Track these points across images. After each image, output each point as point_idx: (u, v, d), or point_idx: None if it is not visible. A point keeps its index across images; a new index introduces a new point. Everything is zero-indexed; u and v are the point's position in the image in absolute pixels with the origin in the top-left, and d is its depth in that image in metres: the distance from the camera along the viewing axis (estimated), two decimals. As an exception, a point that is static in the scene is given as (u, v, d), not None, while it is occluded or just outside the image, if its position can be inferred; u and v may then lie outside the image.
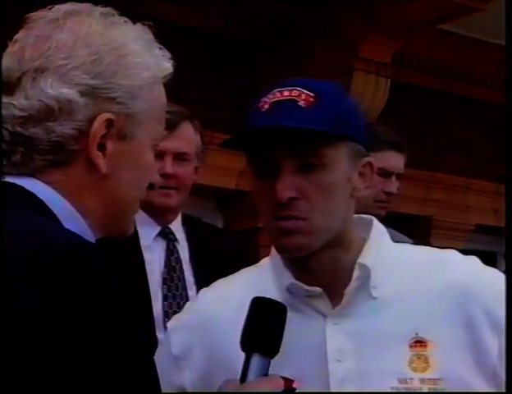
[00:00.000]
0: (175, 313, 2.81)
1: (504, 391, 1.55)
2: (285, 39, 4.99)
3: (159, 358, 1.70)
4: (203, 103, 4.72)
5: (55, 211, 1.26)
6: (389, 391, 1.55)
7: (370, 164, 1.65)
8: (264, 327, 1.46)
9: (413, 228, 5.32)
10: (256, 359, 1.43)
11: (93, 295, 1.10)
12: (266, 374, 1.43)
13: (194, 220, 3.21)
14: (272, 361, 1.45)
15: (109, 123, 1.29)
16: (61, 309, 1.07)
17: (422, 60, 5.82)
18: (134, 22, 1.37)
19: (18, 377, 1.06)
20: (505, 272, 1.63)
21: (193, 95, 4.71)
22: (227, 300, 1.61)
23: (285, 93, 1.58)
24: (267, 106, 1.58)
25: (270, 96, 1.59)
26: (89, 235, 1.28)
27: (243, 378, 1.42)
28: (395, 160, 3.43)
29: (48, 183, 1.28)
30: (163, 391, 1.18)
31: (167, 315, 2.84)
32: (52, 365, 1.06)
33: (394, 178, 3.44)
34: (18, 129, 1.27)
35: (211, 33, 4.99)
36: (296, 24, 4.91)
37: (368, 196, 3.11)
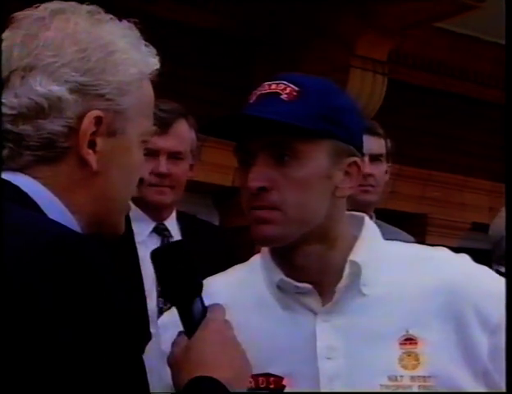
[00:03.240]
0: (169, 309, 2.80)
1: (503, 390, 1.54)
2: (284, 36, 4.99)
3: (150, 353, 1.70)
4: (201, 100, 4.73)
5: (40, 204, 1.26)
6: (379, 388, 1.55)
7: (356, 164, 1.62)
8: (180, 274, 1.46)
9: (409, 226, 5.32)
10: (195, 306, 1.45)
11: (91, 289, 1.11)
12: (204, 309, 1.44)
13: (188, 217, 3.21)
14: (263, 358, 1.44)
15: (98, 120, 1.29)
16: (61, 307, 1.08)
17: (419, 58, 5.83)
18: (120, 19, 1.37)
19: (20, 370, 1.07)
20: (505, 272, 1.63)
21: (191, 91, 4.72)
22: (216, 297, 1.61)
23: (272, 86, 1.59)
24: (254, 97, 1.60)
25: (259, 88, 1.61)
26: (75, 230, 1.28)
27: (190, 329, 1.43)
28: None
29: (35, 178, 1.28)
30: (154, 386, 1.19)
31: (162, 311, 2.84)
32: (53, 363, 1.07)
33: (367, 159, 3.42)
34: (8, 126, 1.28)
35: (209, 30, 5.00)
36: (295, 21, 4.91)
37: None
